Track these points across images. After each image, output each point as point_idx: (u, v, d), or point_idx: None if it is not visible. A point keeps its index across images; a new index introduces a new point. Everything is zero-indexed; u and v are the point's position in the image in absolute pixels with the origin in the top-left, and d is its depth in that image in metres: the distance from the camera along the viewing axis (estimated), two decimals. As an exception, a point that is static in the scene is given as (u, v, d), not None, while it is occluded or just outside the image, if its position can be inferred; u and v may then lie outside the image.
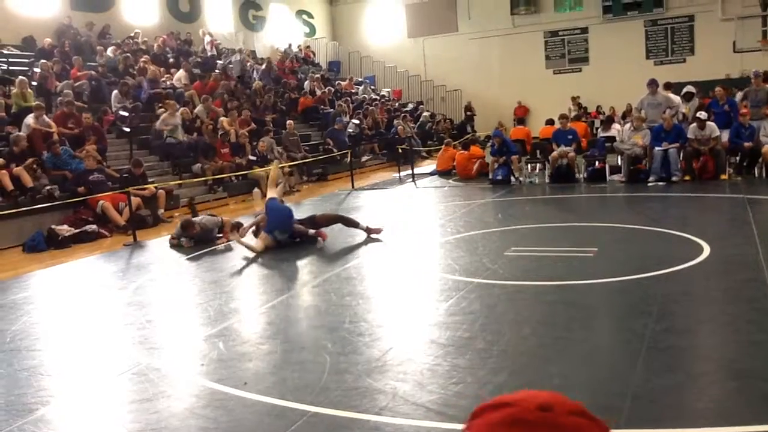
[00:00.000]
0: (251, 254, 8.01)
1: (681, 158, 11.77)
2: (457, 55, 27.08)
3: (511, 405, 0.75)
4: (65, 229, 10.04)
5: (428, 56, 27.96)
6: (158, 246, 9.50)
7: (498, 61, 26.54)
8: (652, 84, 12.86)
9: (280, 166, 14.21)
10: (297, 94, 20.90)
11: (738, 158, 12.13)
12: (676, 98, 13.48)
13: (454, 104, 27.38)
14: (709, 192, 10.55)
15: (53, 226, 9.96)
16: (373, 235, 8.58)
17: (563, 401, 0.76)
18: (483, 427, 0.74)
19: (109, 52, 17.45)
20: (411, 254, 7.85)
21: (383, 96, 25.05)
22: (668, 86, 14.48)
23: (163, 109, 14.53)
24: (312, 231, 8.41)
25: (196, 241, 9.04)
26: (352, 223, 8.78)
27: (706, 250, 6.65)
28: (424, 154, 20.41)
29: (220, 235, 9.20)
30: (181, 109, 14.81)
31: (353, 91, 24.00)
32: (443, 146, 16.89)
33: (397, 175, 16.33)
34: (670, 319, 4.85)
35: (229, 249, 8.67)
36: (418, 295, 6.15)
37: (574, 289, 5.80)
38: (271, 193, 8.74)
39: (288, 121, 17.20)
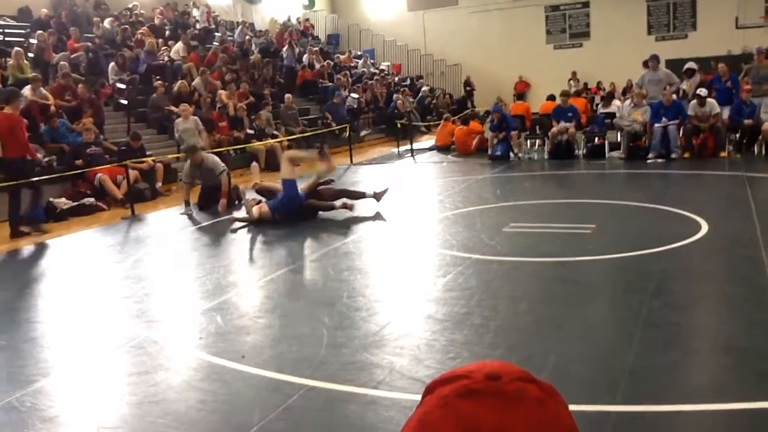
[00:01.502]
0: (248, 227, 8.01)
1: (681, 135, 11.74)
2: (457, 29, 26.85)
3: (461, 377, 0.76)
4: (63, 202, 10.02)
5: (428, 30, 27.72)
6: (156, 219, 9.49)
7: (498, 35, 26.32)
8: (653, 59, 12.76)
9: (280, 140, 14.18)
10: (296, 67, 20.74)
11: (738, 135, 12.09)
12: (675, 77, 13.38)
13: (454, 79, 27.20)
14: (709, 169, 10.54)
15: (51, 199, 9.94)
16: (380, 199, 8.65)
17: (510, 369, 0.76)
18: (434, 401, 0.74)
19: (107, 23, 17.28)
20: (409, 229, 7.85)
21: (382, 70, 24.87)
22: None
23: (160, 82, 14.42)
24: (338, 203, 8.38)
25: (202, 183, 9.63)
26: (356, 195, 8.77)
27: (704, 227, 6.65)
28: (423, 129, 20.33)
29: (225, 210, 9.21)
30: (179, 82, 14.70)
31: (352, 64, 23.82)
32: (442, 121, 16.83)
33: (396, 150, 16.29)
34: (667, 296, 4.86)
35: (227, 223, 8.65)
36: (415, 270, 6.17)
37: (572, 265, 5.81)
38: (292, 175, 8.35)
39: (286, 95, 17.10)
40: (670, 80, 12.67)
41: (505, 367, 0.77)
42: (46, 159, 10.61)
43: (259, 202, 8.50)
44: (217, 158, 9.94)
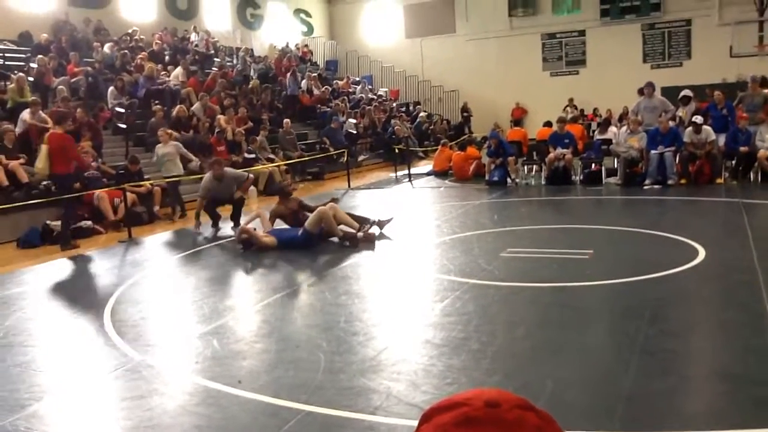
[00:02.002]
0: (246, 251, 8.00)
1: (677, 162, 11.80)
2: (454, 56, 27.09)
3: (459, 405, 0.76)
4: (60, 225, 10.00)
5: (426, 57, 27.96)
6: (153, 242, 9.49)
7: (495, 62, 26.56)
8: (649, 87, 12.87)
9: (275, 165, 14.23)
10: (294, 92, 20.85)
11: (734, 162, 12.16)
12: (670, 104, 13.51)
13: (452, 105, 27.38)
14: (705, 196, 10.58)
15: (48, 222, 9.93)
16: (383, 227, 8.64)
17: (509, 397, 0.77)
18: (433, 430, 0.74)
19: (107, 48, 17.40)
20: (407, 254, 7.85)
21: (380, 96, 25.04)
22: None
23: (159, 106, 14.50)
24: (360, 234, 8.29)
25: (213, 196, 9.64)
26: (361, 220, 8.74)
27: (701, 253, 6.67)
28: (420, 154, 20.41)
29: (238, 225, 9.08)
30: (178, 107, 14.77)
31: (350, 90, 23.99)
32: (440, 147, 16.89)
33: (394, 175, 16.34)
34: (664, 322, 4.86)
35: (224, 246, 8.64)
36: (413, 295, 6.16)
37: (570, 291, 5.81)
38: (314, 229, 8.17)
39: (285, 120, 17.19)
40: (665, 107, 12.77)
41: (503, 394, 0.77)
42: (44, 182, 10.62)
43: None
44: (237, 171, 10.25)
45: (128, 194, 10.48)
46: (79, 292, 6.87)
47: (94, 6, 19.46)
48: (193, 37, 21.35)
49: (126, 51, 17.39)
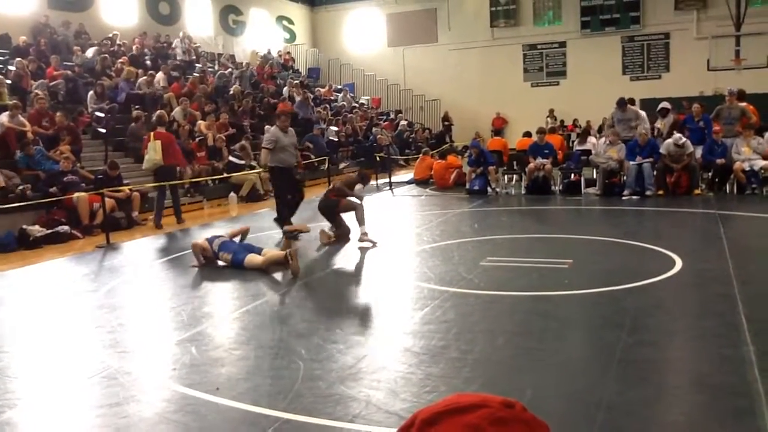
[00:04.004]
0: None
1: (654, 173, 11.94)
2: (436, 66, 27.23)
3: (478, 407, 0.77)
4: (37, 230, 9.89)
5: (408, 66, 28.08)
6: (132, 248, 9.40)
7: (477, 72, 26.73)
8: (621, 104, 13.06)
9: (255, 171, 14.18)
10: (275, 99, 20.83)
11: (711, 174, 12.32)
12: (642, 112, 13.69)
13: (433, 114, 27.49)
14: (683, 207, 10.70)
15: (25, 227, 9.81)
16: (362, 243, 8.61)
17: (510, 400, 0.80)
18: (463, 429, 0.75)
19: (90, 52, 17.27)
20: (387, 262, 7.84)
21: (362, 104, 25.08)
22: (632, 102, 14.66)
23: (139, 111, 14.41)
24: (360, 240, 8.53)
25: (283, 164, 9.52)
26: (361, 220, 8.79)
27: (678, 263, 6.74)
28: (401, 162, 20.45)
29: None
30: (158, 112, 14.66)
31: (332, 98, 24.00)
32: (421, 155, 16.94)
33: (375, 183, 16.32)
34: (642, 331, 4.90)
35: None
36: (393, 303, 6.15)
37: (549, 300, 5.84)
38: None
39: (266, 127, 17.12)
40: (639, 118, 12.97)
41: (498, 397, 0.78)
42: (21, 186, 10.50)
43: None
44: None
45: (107, 199, 10.38)
46: (55, 298, 6.78)
47: (75, 9, 19.31)
48: (176, 43, 21.25)
49: (107, 55, 17.26)
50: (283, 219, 9.59)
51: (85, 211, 10.57)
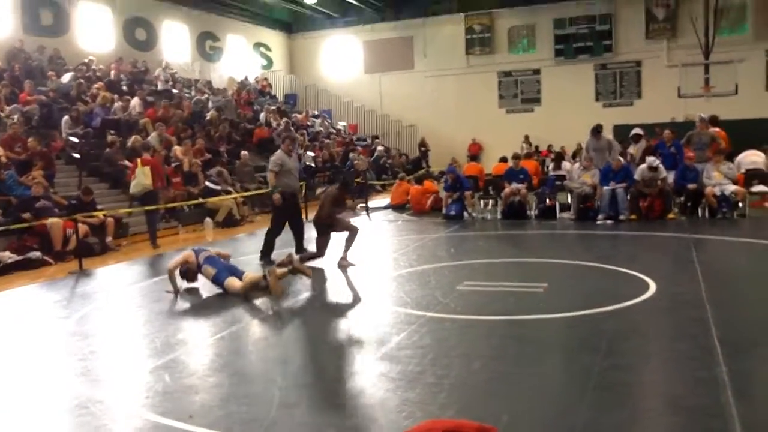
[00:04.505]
0: (202, 283, 7.87)
1: (628, 198, 12.09)
2: (412, 92, 27.48)
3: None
4: (7, 256, 9.74)
5: (384, 92, 28.29)
6: (105, 274, 9.28)
7: (453, 98, 27.00)
8: (594, 132, 13.24)
9: (233, 196, 14.13)
10: (252, 125, 20.84)
11: (683, 199, 12.51)
12: (616, 144, 13.91)
13: (409, 139, 27.67)
14: (656, 231, 10.83)
15: (-5, 253, 9.65)
16: (342, 265, 8.69)
17: (486, 426, 0.80)
18: None
19: (65, 77, 17.17)
20: (363, 287, 7.82)
21: (339, 130, 25.17)
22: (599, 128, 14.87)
23: (114, 137, 14.32)
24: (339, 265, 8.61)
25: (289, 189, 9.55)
26: (350, 243, 8.88)
27: (652, 287, 6.80)
28: (378, 187, 20.50)
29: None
30: (134, 137, 14.60)
31: (309, 124, 24.06)
32: (397, 180, 17.00)
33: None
34: (617, 355, 4.92)
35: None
36: (369, 328, 6.12)
37: (525, 324, 5.85)
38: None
39: (242, 152, 17.11)
40: (611, 146, 13.17)
41: (473, 423, 0.79)
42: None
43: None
44: None
45: (80, 225, 10.26)
46: (26, 325, 6.66)
47: (50, 34, 19.24)
48: (158, 72, 21.24)
49: (82, 80, 17.18)
50: (269, 249, 9.52)
51: (58, 236, 10.43)
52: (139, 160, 11.86)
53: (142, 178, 11.56)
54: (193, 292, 7.66)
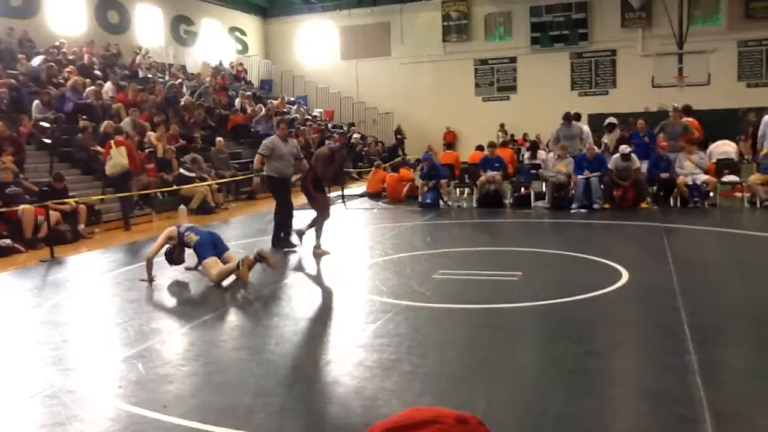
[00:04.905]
0: (178, 271, 7.81)
1: (602, 187, 12.20)
2: (389, 79, 27.41)
3: (430, 422, 0.77)
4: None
5: (361, 79, 28.17)
6: (77, 262, 9.17)
7: (429, 86, 26.99)
8: (566, 119, 13.34)
9: (208, 183, 14.02)
10: (227, 111, 20.66)
11: (656, 188, 12.66)
12: (586, 128, 14.05)
13: (386, 127, 27.63)
14: (629, 220, 10.95)
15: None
16: (317, 254, 8.65)
17: (465, 415, 0.79)
18: None
19: (35, 61, 16.84)
20: (339, 276, 7.82)
21: (315, 116, 25.04)
22: (577, 117, 15.00)
23: (86, 122, 14.10)
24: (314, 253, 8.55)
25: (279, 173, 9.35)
26: (319, 229, 8.84)
27: (625, 276, 6.89)
28: (354, 175, 20.46)
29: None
30: (106, 122, 14.38)
31: (285, 110, 23.90)
32: (373, 168, 16.98)
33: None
34: (590, 342, 4.99)
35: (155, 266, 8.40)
36: (345, 316, 6.13)
37: (499, 312, 5.90)
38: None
39: (217, 138, 16.97)
40: (581, 133, 13.30)
41: (452, 411, 0.78)
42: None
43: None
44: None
45: (52, 212, 10.10)
46: (-5, 314, 6.56)
47: (20, 16, 18.84)
48: (138, 59, 20.96)
49: (53, 64, 16.87)
50: (286, 232, 9.44)
51: (29, 224, 10.27)
52: (112, 141, 11.92)
53: (118, 159, 11.63)
54: (167, 280, 7.60)
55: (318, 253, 8.70)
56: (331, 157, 8.88)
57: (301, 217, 9.73)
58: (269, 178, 9.49)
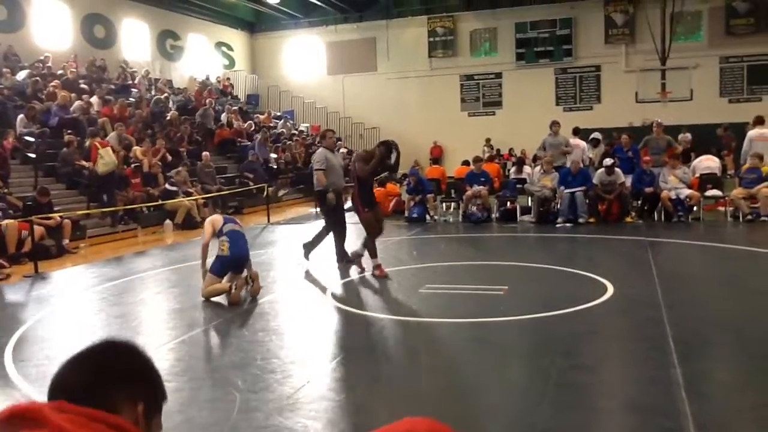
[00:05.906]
0: (162, 287, 7.77)
1: (586, 201, 12.30)
2: (375, 94, 27.51)
3: None
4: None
5: (347, 94, 28.26)
6: (62, 277, 9.09)
7: (415, 101, 27.11)
8: (555, 124, 13.52)
9: (195, 198, 13.97)
10: (214, 125, 20.64)
11: (640, 202, 12.77)
12: (581, 142, 14.20)
13: (372, 142, 27.60)
14: (614, 234, 11.03)
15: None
16: (376, 275, 8.15)
17: (441, 427, 0.81)
18: None
19: (21, 75, 16.77)
20: (324, 290, 7.80)
21: (302, 131, 25.07)
22: (576, 131, 15.20)
23: (72, 136, 14.04)
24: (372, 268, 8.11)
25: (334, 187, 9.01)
26: (371, 248, 8.37)
27: (610, 289, 6.93)
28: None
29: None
30: (90, 141, 14.32)
31: (271, 125, 23.92)
32: (360, 183, 16.96)
33: (314, 210, 16.27)
34: (576, 356, 5.00)
35: (137, 281, 8.37)
36: (330, 331, 6.12)
37: (486, 326, 5.91)
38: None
39: (203, 153, 16.94)
40: (567, 143, 13.48)
41: (432, 423, 0.79)
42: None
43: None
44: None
45: (36, 227, 10.03)
46: (-22, 330, 6.48)
47: (6, 29, 18.77)
48: (138, 79, 20.96)
49: (38, 78, 16.80)
50: (312, 247, 9.10)
51: (13, 239, 10.18)
52: (97, 143, 12.74)
53: (109, 158, 12.37)
54: (153, 296, 7.55)
55: (378, 275, 8.07)
56: (370, 154, 8.36)
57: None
58: (323, 193, 8.95)
